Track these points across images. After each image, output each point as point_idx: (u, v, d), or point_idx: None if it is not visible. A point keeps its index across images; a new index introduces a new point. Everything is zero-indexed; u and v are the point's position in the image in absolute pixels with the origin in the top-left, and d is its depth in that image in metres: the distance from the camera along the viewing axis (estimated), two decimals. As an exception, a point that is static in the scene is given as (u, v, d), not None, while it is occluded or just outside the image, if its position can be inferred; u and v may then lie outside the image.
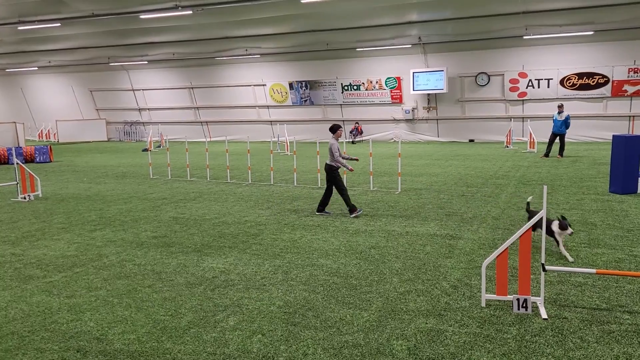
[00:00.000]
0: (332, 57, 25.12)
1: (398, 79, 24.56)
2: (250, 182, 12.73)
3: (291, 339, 4.10)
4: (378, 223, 7.98)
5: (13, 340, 4.23)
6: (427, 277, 5.46)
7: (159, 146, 25.32)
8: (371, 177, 11.49)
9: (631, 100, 21.10)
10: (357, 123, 25.67)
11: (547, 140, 16.55)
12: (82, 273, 5.92)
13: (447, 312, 4.54)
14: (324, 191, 8.87)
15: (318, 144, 12.80)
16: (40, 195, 11.40)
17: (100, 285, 5.50)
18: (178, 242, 7.19)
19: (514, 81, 22.59)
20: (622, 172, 9.76)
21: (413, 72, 23.73)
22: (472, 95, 23.67)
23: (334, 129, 8.62)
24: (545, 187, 4.47)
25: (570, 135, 18.70)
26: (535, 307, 4.55)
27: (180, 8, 18.31)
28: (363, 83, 25.36)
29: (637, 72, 20.59)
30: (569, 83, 21.68)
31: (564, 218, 5.80)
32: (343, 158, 8.63)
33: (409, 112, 24.73)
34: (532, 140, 18.70)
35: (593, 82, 21.28)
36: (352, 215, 8.42)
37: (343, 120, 25.84)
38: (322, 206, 8.74)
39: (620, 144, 9.90)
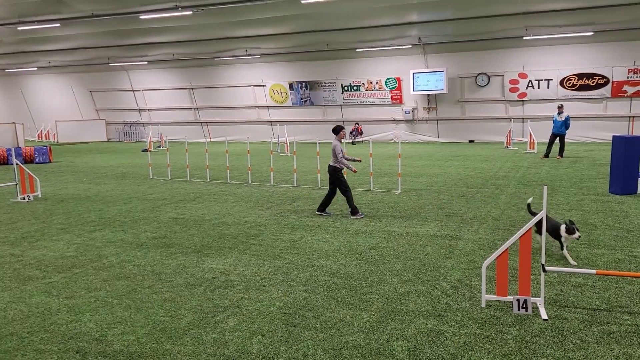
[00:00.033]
0: (332, 57, 25.12)
1: (398, 80, 24.56)
2: (250, 182, 12.73)
3: (291, 340, 4.10)
4: (378, 224, 7.97)
5: (12, 342, 4.22)
6: (427, 278, 5.45)
7: (159, 147, 25.31)
8: (371, 177, 11.49)
9: (631, 100, 21.11)
10: (357, 124, 25.67)
11: (547, 141, 16.55)
12: (81, 274, 5.92)
13: (447, 312, 4.54)
14: (327, 192, 8.85)
15: (318, 145, 12.80)
16: (40, 196, 11.39)
17: (99, 286, 5.50)
18: (178, 242, 7.18)
19: (513, 82, 22.60)
20: (622, 173, 9.76)
21: (413, 73, 23.74)
22: (472, 96, 23.68)
23: (337, 130, 8.61)
24: (545, 187, 4.47)
25: (570, 135, 18.69)
26: (536, 308, 4.55)
27: (180, 8, 18.31)
28: (363, 83, 25.36)
29: (637, 73, 20.59)
30: (569, 84, 21.69)
31: (571, 222, 5.74)
32: (346, 159, 8.63)
33: (409, 113, 24.73)
34: (532, 140, 18.70)
35: (593, 82, 21.29)
36: (352, 217, 8.42)
37: (343, 121, 25.82)
38: (322, 207, 8.74)
39: (620, 144, 9.90)
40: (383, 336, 4.13)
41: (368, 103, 25.67)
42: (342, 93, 25.92)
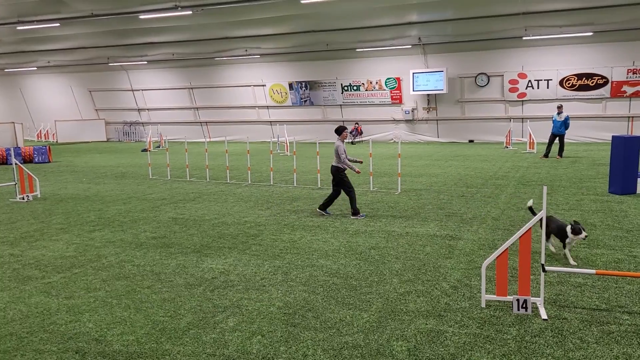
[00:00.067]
0: (332, 57, 25.13)
1: (398, 80, 24.56)
2: (249, 182, 12.72)
3: (291, 340, 4.09)
4: (378, 224, 7.97)
5: (11, 342, 4.21)
6: (427, 278, 5.45)
7: (158, 146, 25.30)
8: (371, 177, 11.49)
9: (630, 101, 21.12)
10: (357, 123, 25.67)
11: (547, 141, 16.56)
12: (80, 274, 5.91)
13: (447, 312, 4.53)
14: (330, 192, 8.83)
15: (318, 145, 12.79)
16: (39, 196, 11.38)
17: (99, 286, 5.49)
18: (177, 242, 7.18)
19: (513, 82, 22.61)
20: (622, 173, 9.76)
21: (413, 73, 23.74)
22: (471, 96, 23.69)
23: (340, 131, 8.61)
24: (545, 187, 4.47)
25: (569, 135, 18.71)
26: (535, 308, 4.55)
27: (179, 8, 18.30)
28: (363, 83, 25.37)
29: (636, 73, 20.61)
30: (569, 84, 21.70)
31: (576, 223, 5.67)
32: (348, 160, 8.61)
33: (408, 113, 24.73)
34: (531, 140, 18.71)
35: (592, 82, 21.30)
36: (352, 217, 8.42)
37: (343, 121, 25.83)
38: (324, 206, 8.72)
39: (620, 144, 9.91)
40: (383, 336, 4.12)
41: (368, 103, 25.67)
42: (342, 93, 25.92)
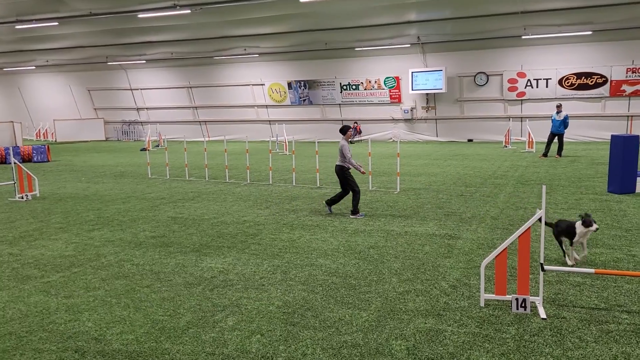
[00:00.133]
0: (331, 56, 25.11)
1: (397, 79, 24.56)
2: (248, 181, 12.72)
3: (290, 339, 4.10)
4: (377, 223, 7.97)
5: (11, 341, 4.21)
6: (426, 277, 5.46)
7: (157, 146, 25.28)
8: (370, 176, 11.49)
9: (629, 100, 21.14)
10: (356, 123, 25.66)
11: (546, 140, 16.57)
12: (80, 273, 5.91)
13: (446, 312, 4.54)
14: (339, 191, 8.80)
15: (317, 144, 12.79)
16: (38, 195, 11.37)
17: (98, 285, 5.49)
18: (176, 242, 7.18)
19: (512, 81, 22.62)
20: (621, 172, 9.77)
21: (412, 72, 23.74)
22: (470, 95, 23.69)
23: (344, 130, 8.62)
24: (544, 187, 4.47)
25: (568, 135, 18.73)
26: (534, 307, 4.55)
27: (178, 7, 18.27)
28: (362, 83, 25.36)
29: (636, 72, 20.62)
30: (568, 83, 21.71)
31: (587, 215, 5.50)
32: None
33: (407, 112, 24.73)
34: (530, 140, 18.72)
35: (591, 82, 21.32)
36: (352, 216, 8.42)
37: (342, 120, 25.83)
38: (331, 202, 8.73)
39: (619, 143, 9.92)
40: (382, 335, 4.13)
41: (367, 102, 25.66)
42: (341, 92, 25.91)
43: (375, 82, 25.06)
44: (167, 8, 18.49)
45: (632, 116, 21.22)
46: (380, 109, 25.59)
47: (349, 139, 8.67)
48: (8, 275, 5.90)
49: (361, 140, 25.43)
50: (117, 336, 4.23)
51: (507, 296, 4.62)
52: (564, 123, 16.04)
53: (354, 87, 25.60)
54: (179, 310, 4.73)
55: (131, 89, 30.83)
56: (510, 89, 22.73)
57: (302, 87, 26.63)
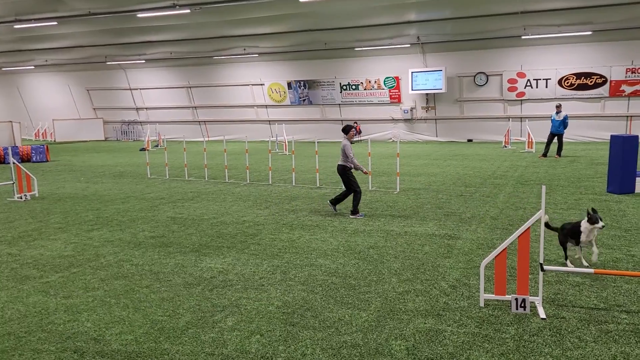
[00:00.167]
0: (331, 56, 25.11)
1: (397, 79, 24.56)
2: (248, 182, 12.71)
3: (290, 339, 4.09)
4: (377, 223, 7.97)
5: (9, 341, 4.20)
6: (425, 277, 5.45)
7: (157, 146, 25.26)
8: (370, 177, 11.48)
9: (629, 100, 21.16)
10: (356, 123, 25.66)
11: (545, 140, 16.58)
12: (79, 273, 5.90)
13: (446, 312, 4.54)
14: (343, 190, 8.79)
15: (317, 144, 12.78)
16: (37, 195, 11.36)
17: (97, 285, 5.48)
18: (176, 242, 7.17)
19: (512, 81, 22.62)
20: (620, 172, 9.78)
21: (412, 72, 23.74)
22: (470, 95, 23.70)
23: (347, 130, 8.61)
24: (543, 187, 4.47)
25: (568, 135, 18.74)
26: (534, 307, 4.55)
27: (177, 7, 18.26)
28: (361, 83, 25.35)
29: (635, 72, 20.63)
30: (567, 83, 21.72)
31: (594, 211, 5.26)
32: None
33: (407, 112, 24.73)
34: (530, 140, 18.73)
35: (591, 82, 21.33)
36: (351, 216, 8.41)
37: (342, 120, 25.83)
38: (336, 201, 8.72)
39: (618, 144, 9.92)
40: (382, 335, 4.12)
41: (367, 102, 25.66)
42: (341, 92, 25.91)
43: (375, 82, 25.06)
44: (167, 8, 18.48)
45: (631, 116, 21.23)
46: (380, 109, 25.59)
47: (351, 139, 8.67)
48: (7, 276, 5.89)
49: (361, 140, 25.43)
50: (116, 336, 4.22)
51: (507, 296, 4.62)
52: (564, 123, 16.04)
53: (353, 87, 25.60)
54: (178, 310, 4.72)
55: (130, 89, 30.80)
56: (510, 89, 22.74)
57: (302, 87, 26.62)
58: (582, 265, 5.57)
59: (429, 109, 24.60)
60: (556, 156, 16.14)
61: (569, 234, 5.56)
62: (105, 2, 18.57)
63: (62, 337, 4.23)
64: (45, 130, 32.48)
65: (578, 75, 21.44)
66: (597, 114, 21.68)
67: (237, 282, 5.46)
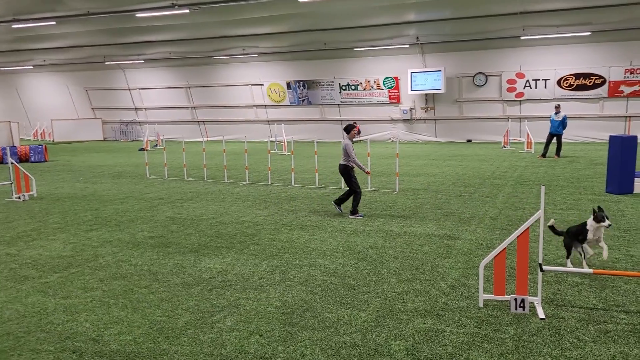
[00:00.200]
0: (330, 56, 25.10)
1: (396, 79, 24.56)
2: (247, 182, 12.70)
3: (289, 340, 4.09)
4: (376, 223, 7.97)
5: (8, 341, 4.19)
6: (425, 277, 5.45)
7: (156, 146, 25.24)
8: (369, 177, 11.48)
9: (627, 100, 21.18)
10: (355, 123, 25.62)
11: (544, 141, 16.59)
12: (77, 273, 5.89)
13: (445, 312, 4.53)
14: (347, 189, 8.78)
15: (316, 144, 12.78)
16: (36, 195, 11.34)
17: (96, 285, 5.47)
18: (175, 242, 7.16)
19: (511, 81, 22.64)
20: (619, 173, 9.79)
21: (411, 72, 23.75)
22: (469, 96, 23.71)
23: (349, 129, 8.60)
24: (542, 187, 4.47)
25: (567, 135, 18.75)
26: (533, 307, 4.55)
27: (176, 7, 18.23)
28: (361, 83, 25.36)
29: (634, 73, 20.66)
30: (566, 83, 21.75)
31: (600, 209, 5.13)
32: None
33: (406, 112, 24.74)
34: (529, 140, 18.75)
35: (590, 82, 21.35)
36: (350, 216, 8.41)
37: (341, 120, 25.83)
38: (340, 201, 8.72)
39: (617, 144, 9.93)
40: (381, 335, 4.12)
41: (366, 102, 25.66)
42: (340, 92, 25.91)
43: (375, 82, 25.06)
44: (166, 8, 18.45)
45: (630, 117, 21.26)
46: (379, 109, 25.60)
47: (353, 139, 8.66)
48: (6, 276, 5.87)
49: (360, 140, 25.42)
50: (115, 337, 4.21)
51: (506, 296, 4.62)
52: (563, 123, 16.06)
53: (353, 87, 25.60)
54: (177, 310, 4.72)
55: (129, 89, 30.77)
56: (509, 90, 22.75)
57: (301, 87, 26.61)
58: (587, 261, 5.49)
59: (428, 109, 24.61)
60: (555, 156, 16.16)
61: (574, 236, 5.46)
62: (104, 2, 18.54)
63: (61, 338, 4.23)
64: (43, 130, 32.43)
65: (577, 76, 21.47)
66: (596, 114, 21.71)
67: (236, 282, 5.45)
